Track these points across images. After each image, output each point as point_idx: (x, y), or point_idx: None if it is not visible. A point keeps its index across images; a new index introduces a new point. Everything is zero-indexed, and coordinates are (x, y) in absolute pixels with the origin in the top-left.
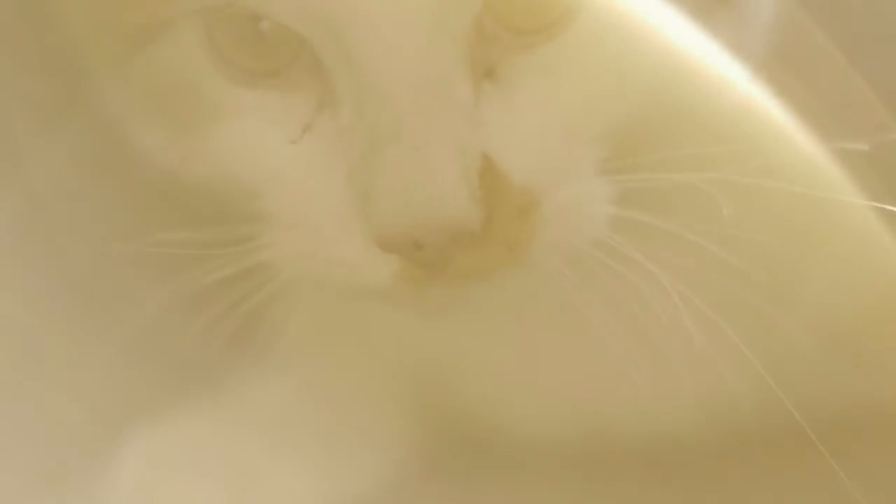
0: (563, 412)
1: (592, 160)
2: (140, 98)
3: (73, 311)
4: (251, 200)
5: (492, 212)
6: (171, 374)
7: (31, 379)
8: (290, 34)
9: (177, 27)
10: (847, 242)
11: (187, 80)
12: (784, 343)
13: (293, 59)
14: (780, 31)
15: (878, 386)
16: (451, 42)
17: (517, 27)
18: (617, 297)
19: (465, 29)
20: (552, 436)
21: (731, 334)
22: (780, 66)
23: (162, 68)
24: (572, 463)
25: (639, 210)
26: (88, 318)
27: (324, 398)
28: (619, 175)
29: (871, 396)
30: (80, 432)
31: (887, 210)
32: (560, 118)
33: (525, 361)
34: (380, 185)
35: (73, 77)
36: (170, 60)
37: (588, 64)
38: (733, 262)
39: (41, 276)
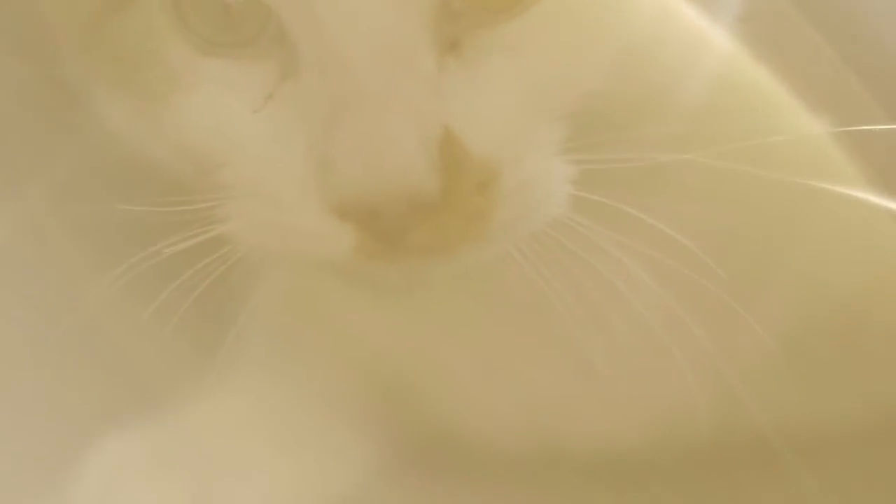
0: (520, 424)
1: (555, 138)
2: (106, 68)
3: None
4: (213, 171)
5: (451, 183)
6: (134, 379)
7: None
8: (256, 5)
9: None
10: (824, 234)
11: (153, 50)
12: (749, 342)
13: (259, 30)
14: (755, 10)
15: (848, 395)
16: (416, 14)
17: (483, 4)
18: (577, 283)
19: (430, 2)
20: (510, 448)
21: (694, 330)
22: (755, 45)
23: (128, 38)
24: (530, 476)
25: (601, 191)
26: (43, 301)
27: (285, 402)
28: (582, 154)
29: (836, 407)
30: (42, 439)
31: (869, 199)
32: (523, 95)
33: (484, 361)
34: (339, 153)
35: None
36: (136, 31)
37: (554, 41)
38: (699, 251)
39: None
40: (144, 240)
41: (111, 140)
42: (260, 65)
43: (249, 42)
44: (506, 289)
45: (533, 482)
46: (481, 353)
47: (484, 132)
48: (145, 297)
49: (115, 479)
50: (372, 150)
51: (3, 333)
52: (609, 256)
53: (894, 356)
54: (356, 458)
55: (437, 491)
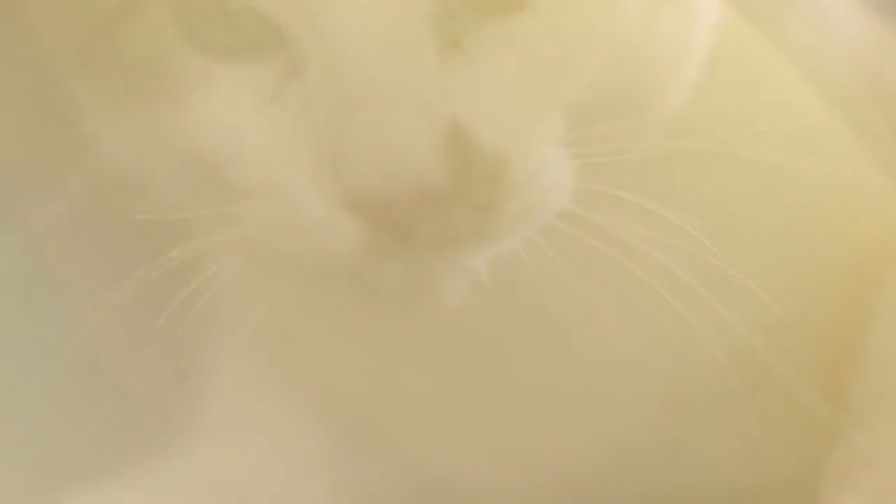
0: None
1: (557, 131)
2: (106, 82)
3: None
4: (219, 175)
5: (460, 174)
6: (103, 433)
7: None
8: (259, 10)
9: (146, 5)
10: (832, 218)
11: (157, 58)
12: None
13: (265, 35)
14: None
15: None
16: (417, 15)
17: (479, 3)
18: (586, 278)
19: (429, 3)
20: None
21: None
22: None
23: (131, 48)
24: None
25: (604, 183)
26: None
27: (258, 451)
28: (584, 147)
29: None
30: (12, 488)
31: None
32: (525, 88)
33: (472, 398)
34: (349, 146)
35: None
36: (139, 40)
37: (551, 36)
38: (709, 241)
39: None
40: (150, 250)
41: (107, 158)
42: (266, 68)
43: (255, 47)
44: (512, 299)
45: None
46: (467, 389)
47: (490, 124)
48: (155, 303)
49: None
50: (381, 141)
51: None
52: (616, 249)
53: None
54: None
55: None
